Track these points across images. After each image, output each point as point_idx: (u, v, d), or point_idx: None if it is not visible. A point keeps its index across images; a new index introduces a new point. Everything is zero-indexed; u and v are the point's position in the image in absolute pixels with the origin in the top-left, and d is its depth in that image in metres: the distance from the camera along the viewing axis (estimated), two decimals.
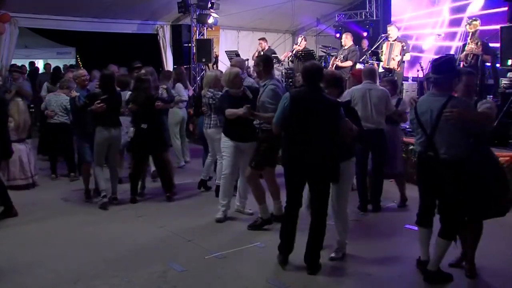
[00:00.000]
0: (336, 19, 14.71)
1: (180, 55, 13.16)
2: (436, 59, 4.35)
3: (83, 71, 7.11)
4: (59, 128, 8.03)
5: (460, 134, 4.06)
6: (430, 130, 4.11)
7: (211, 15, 12.61)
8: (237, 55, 12.34)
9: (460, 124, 4.01)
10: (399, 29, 10.39)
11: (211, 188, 7.23)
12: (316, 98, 4.44)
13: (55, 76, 10.30)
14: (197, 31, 13.14)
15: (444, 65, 4.13)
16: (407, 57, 9.71)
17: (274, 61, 12.13)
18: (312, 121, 4.38)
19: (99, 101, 6.27)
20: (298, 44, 11.69)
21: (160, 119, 6.98)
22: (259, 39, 12.21)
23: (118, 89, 6.95)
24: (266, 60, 5.56)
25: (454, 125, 4.01)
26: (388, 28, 9.93)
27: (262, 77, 5.54)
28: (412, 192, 7.06)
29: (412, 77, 11.26)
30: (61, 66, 13.15)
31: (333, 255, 4.79)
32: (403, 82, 10.57)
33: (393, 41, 9.65)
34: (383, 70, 9.91)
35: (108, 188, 6.64)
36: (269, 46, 12.33)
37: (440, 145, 4.08)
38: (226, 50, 13.25)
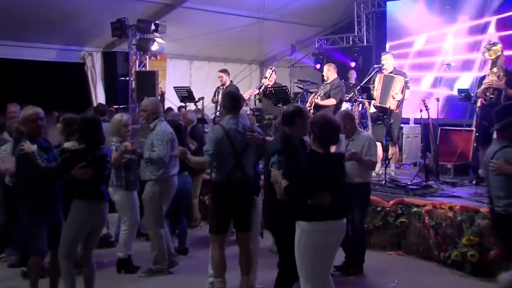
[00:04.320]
0: (316, 46, 14.97)
1: (115, 91, 13.05)
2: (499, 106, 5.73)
3: (34, 111, 5.76)
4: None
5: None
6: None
7: (155, 40, 12.60)
8: (189, 92, 12.28)
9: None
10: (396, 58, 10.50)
11: (138, 268, 7.17)
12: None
13: None
14: (137, 61, 13.09)
15: (501, 111, 5.23)
16: (407, 95, 9.73)
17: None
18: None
19: (83, 164, 5.49)
20: (268, 78, 11.67)
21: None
22: (219, 71, 12.10)
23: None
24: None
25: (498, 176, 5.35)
26: (383, 57, 9.94)
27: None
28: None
29: (414, 118, 11.35)
30: None
31: None
32: (402, 125, 10.65)
33: (388, 73, 9.69)
34: (375, 110, 9.93)
35: None
36: (231, 81, 12.31)
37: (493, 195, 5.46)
38: (175, 86, 13.14)
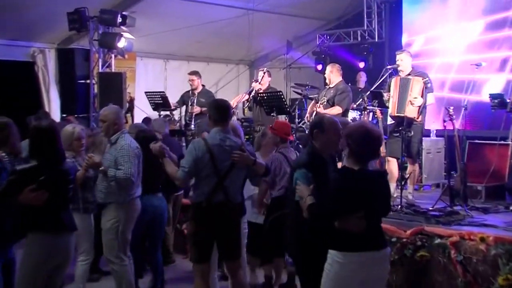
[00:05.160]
0: (317, 43, 15.02)
1: (72, 97, 12.95)
2: None
3: None
4: None
5: None
6: None
7: (122, 35, 12.53)
8: (164, 98, 12.25)
9: None
10: (414, 57, 10.44)
11: None
12: None
13: None
14: (100, 60, 13.00)
15: None
16: (430, 99, 9.67)
17: None
18: None
19: (34, 186, 5.27)
20: (259, 81, 11.64)
21: None
22: (190, 74, 12.24)
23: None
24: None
25: None
26: (398, 57, 9.85)
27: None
28: None
29: (436, 130, 11.32)
30: None
31: None
32: (423, 138, 10.53)
33: (406, 75, 9.65)
34: (393, 122, 9.81)
35: None
36: (203, 86, 12.37)
37: None
38: (146, 91, 13.04)
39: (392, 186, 9.43)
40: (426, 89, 9.37)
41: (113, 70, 13.06)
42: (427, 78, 9.50)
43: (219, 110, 6.21)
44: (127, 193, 6.71)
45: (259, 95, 11.39)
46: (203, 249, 6.13)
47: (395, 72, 9.95)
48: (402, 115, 9.28)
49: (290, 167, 6.34)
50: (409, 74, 9.59)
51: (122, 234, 6.78)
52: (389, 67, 10.36)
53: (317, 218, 4.88)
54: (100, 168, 6.64)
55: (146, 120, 11.40)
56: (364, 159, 4.88)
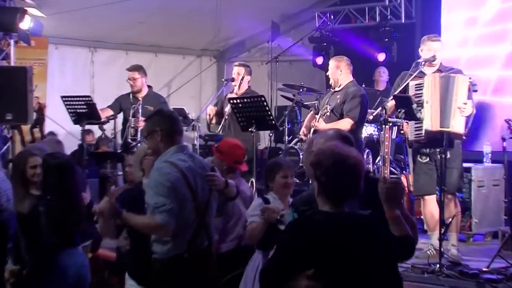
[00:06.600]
0: (316, 25, 15.03)
1: None
2: None
3: None
4: None
5: None
6: None
7: (26, 11, 12.33)
8: (90, 105, 12.00)
9: None
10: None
11: None
12: None
13: None
14: None
15: None
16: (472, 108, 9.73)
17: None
18: None
19: None
20: (238, 82, 11.62)
21: None
22: (130, 70, 12.11)
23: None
24: None
25: None
26: (433, 45, 9.94)
27: None
28: None
29: (492, 152, 11.34)
30: None
31: None
32: (471, 165, 10.73)
33: (437, 71, 9.75)
34: (422, 138, 9.73)
35: None
36: (150, 87, 12.23)
37: None
38: (64, 95, 12.84)
39: (435, 236, 9.56)
40: (471, 93, 9.48)
41: (12, 64, 12.90)
42: (472, 79, 9.50)
43: (174, 120, 6.33)
44: None
45: (232, 101, 11.15)
46: None
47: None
48: (447, 129, 9.29)
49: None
50: (439, 70, 9.75)
51: None
52: (421, 60, 10.28)
53: (264, 279, 4.99)
54: None
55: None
56: (337, 198, 4.93)
